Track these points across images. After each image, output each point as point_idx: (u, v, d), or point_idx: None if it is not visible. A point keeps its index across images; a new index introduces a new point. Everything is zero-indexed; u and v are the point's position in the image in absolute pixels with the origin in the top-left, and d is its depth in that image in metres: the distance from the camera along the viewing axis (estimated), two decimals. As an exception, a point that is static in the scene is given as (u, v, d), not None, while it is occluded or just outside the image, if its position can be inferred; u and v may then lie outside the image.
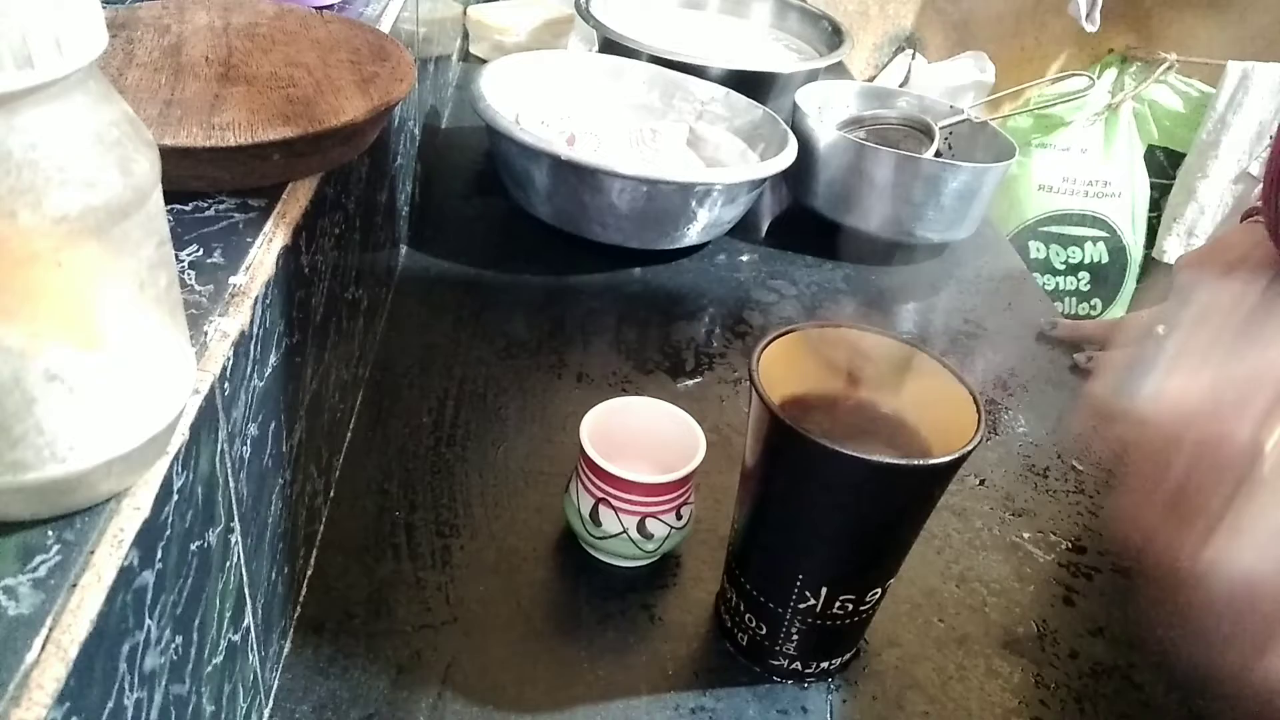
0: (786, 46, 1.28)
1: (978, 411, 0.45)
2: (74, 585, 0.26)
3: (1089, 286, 1.99)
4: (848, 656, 0.53)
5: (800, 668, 0.52)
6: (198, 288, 0.37)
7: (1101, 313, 2.01)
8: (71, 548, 0.27)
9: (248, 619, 0.42)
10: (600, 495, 0.54)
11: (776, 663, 0.52)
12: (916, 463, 0.43)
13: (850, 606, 0.48)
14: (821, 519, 0.46)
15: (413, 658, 0.50)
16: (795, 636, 0.50)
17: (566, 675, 0.51)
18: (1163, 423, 0.39)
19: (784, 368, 0.48)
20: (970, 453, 0.43)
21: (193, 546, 0.33)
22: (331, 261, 0.53)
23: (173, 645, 0.32)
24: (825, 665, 0.52)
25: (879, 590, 0.49)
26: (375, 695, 0.48)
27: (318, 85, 0.48)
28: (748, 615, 0.51)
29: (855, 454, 0.41)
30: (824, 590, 0.48)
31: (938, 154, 0.99)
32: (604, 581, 0.56)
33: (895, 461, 0.42)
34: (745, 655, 0.53)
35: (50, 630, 0.25)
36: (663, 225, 0.84)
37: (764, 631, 0.51)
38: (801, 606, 0.48)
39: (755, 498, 0.48)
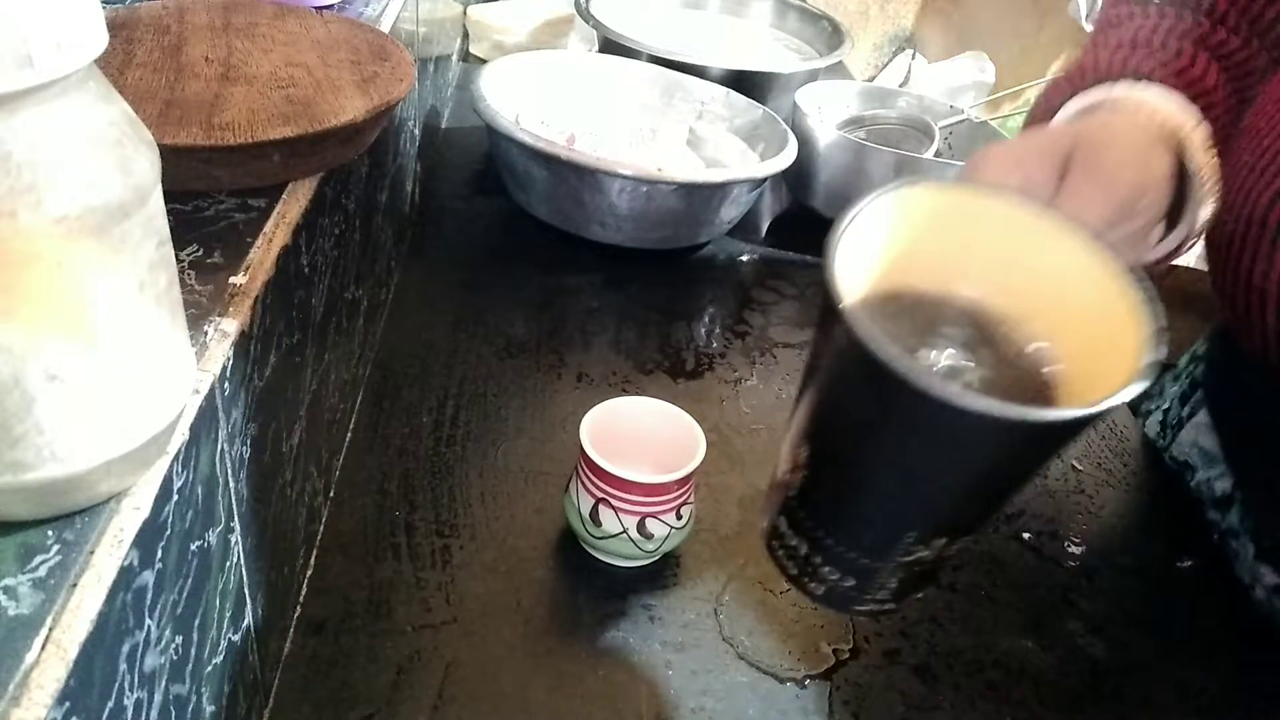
0: (786, 46, 1.28)
1: (1148, 313, 0.33)
2: (74, 585, 0.26)
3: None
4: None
5: (893, 607, 0.40)
6: (198, 288, 0.37)
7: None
8: (71, 548, 0.27)
9: (248, 619, 0.42)
10: (600, 495, 0.54)
11: (862, 607, 0.41)
12: (1070, 415, 0.30)
13: (968, 543, 0.41)
14: (943, 481, 0.35)
15: (413, 658, 0.50)
16: (893, 584, 0.39)
17: (566, 675, 0.51)
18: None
19: (864, 251, 0.36)
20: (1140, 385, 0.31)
21: (193, 546, 0.33)
22: (331, 261, 0.53)
23: (173, 645, 0.32)
24: (918, 597, 0.44)
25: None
26: (375, 695, 0.48)
27: (318, 85, 0.48)
28: (827, 568, 0.39)
29: (992, 412, 0.29)
30: (940, 542, 0.37)
31: (938, 154, 0.99)
32: (604, 581, 0.56)
33: (1043, 419, 0.30)
34: (821, 601, 0.41)
35: (50, 630, 0.25)
36: (663, 225, 0.84)
37: (851, 583, 0.39)
38: (907, 560, 0.38)
39: (839, 443, 0.36)
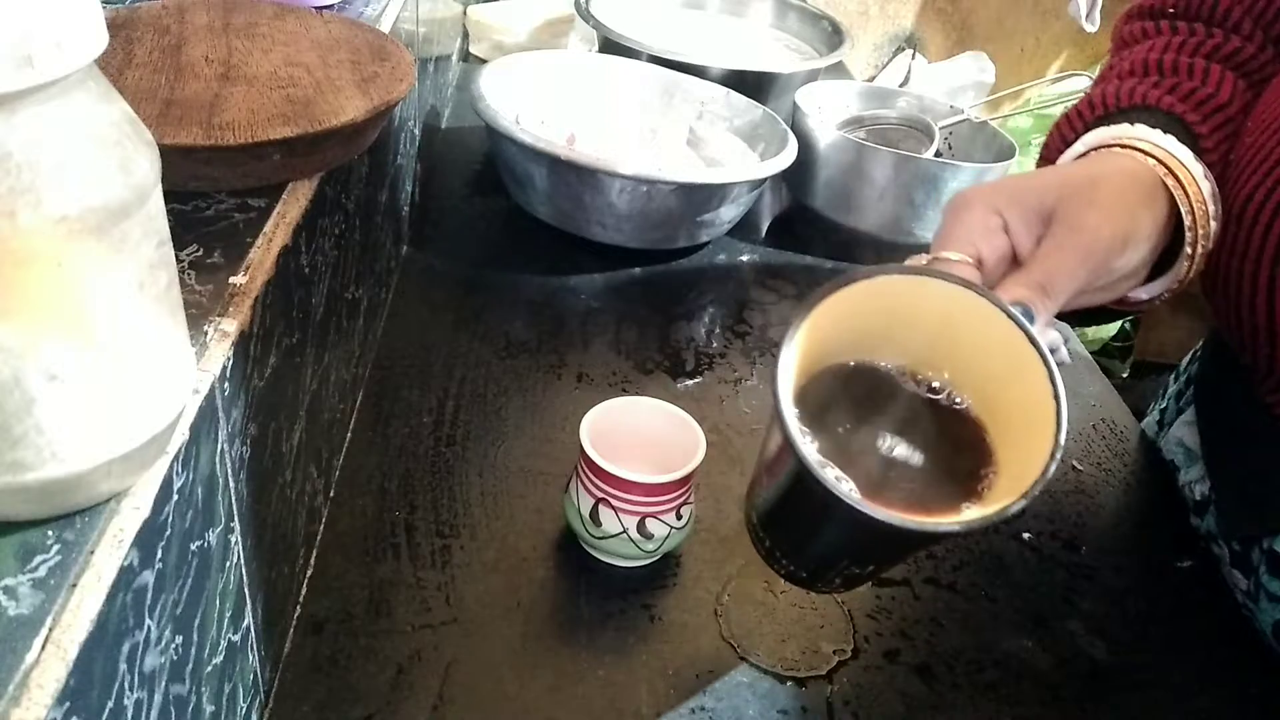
0: (786, 46, 1.28)
1: (1056, 431, 0.37)
2: (74, 585, 0.26)
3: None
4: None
5: (844, 591, 0.48)
6: (198, 288, 0.37)
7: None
8: (71, 548, 0.27)
9: (248, 619, 0.42)
10: (600, 495, 0.54)
11: (820, 591, 0.48)
12: (961, 529, 0.36)
13: (901, 562, 0.46)
14: (855, 541, 0.41)
15: (413, 658, 0.50)
16: (838, 581, 0.45)
17: (566, 675, 0.51)
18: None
19: (819, 331, 0.40)
20: (1030, 501, 0.36)
21: (193, 546, 0.33)
22: (331, 261, 0.53)
23: (173, 645, 0.32)
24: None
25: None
26: (375, 695, 0.48)
27: (318, 85, 0.48)
28: (785, 561, 0.45)
29: (903, 525, 0.35)
30: (871, 568, 0.44)
31: (938, 154, 0.99)
32: (604, 581, 0.56)
33: (941, 530, 0.36)
34: (784, 579, 0.47)
35: (50, 630, 0.25)
36: (663, 225, 0.84)
37: (804, 576, 0.46)
38: (846, 573, 0.44)
39: (781, 490, 0.41)
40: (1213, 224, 0.47)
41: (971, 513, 0.38)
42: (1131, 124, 0.49)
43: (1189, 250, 0.47)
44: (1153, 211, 0.45)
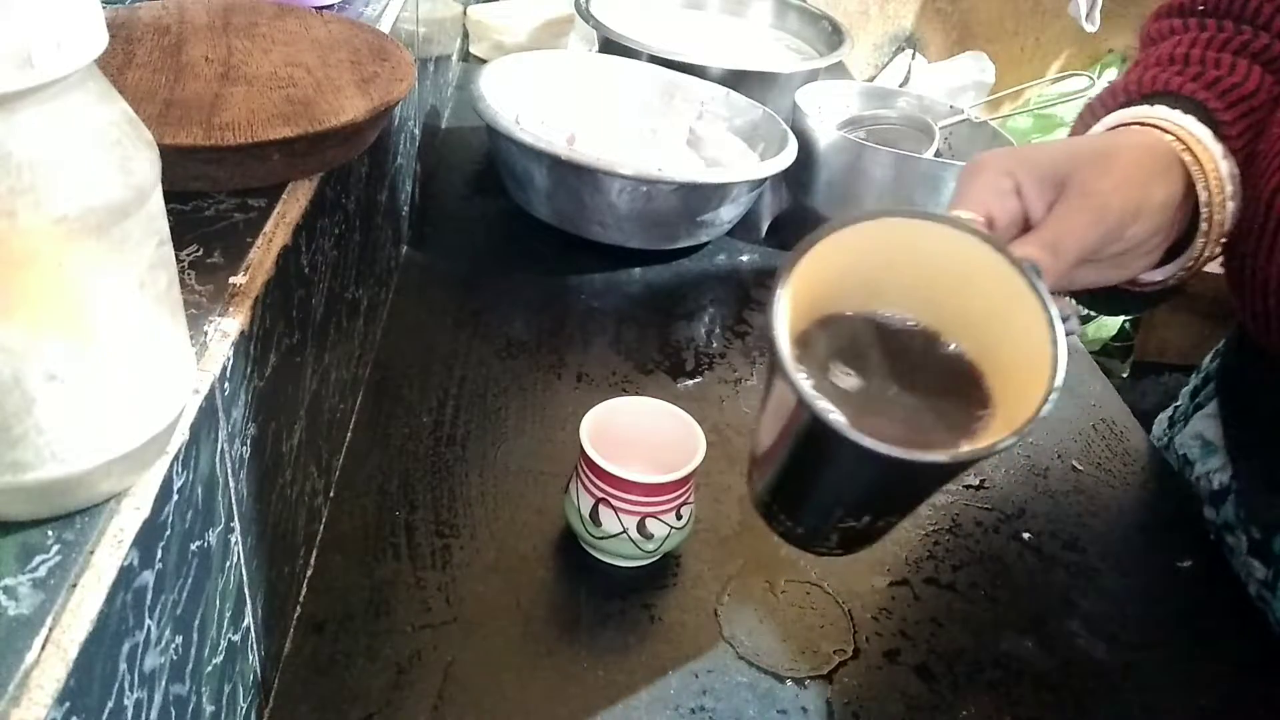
0: (786, 46, 1.28)
1: (1053, 372, 0.36)
2: (74, 585, 0.26)
3: (1089, 286, 1.99)
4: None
5: (841, 554, 0.46)
6: (198, 288, 0.37)
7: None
8: (71, 548, 0.27)
9: (248, 619, 0.42)
10: (600, 495, 0.54)
11: (817, 550, 0.47)
12: (937, 459, 0.36)
13: (895, 519, 0.44)
14: (853, 483, 0.40)
15: (413, 658, 0.50)
16: (834, 539, 0.44)
17: (566, 675, 0.51)
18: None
19: (819, 276, 0.40)
20: (1023, 434, 0.36)
21: (193, 546, 0.33)
22: (331, 261, 0.53)
23: (173, 645, 0.32)
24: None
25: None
26: (375, 695, 0.48)
27: (318, 85, 0.48)
28: (782, 516, 0.45)
29: (890, 453, 0.35)
30: (866, 519, 0.42)
31: (938, 154, 0.99)
32: (604, 581, 0.56)
33: (928, 460, 0.35)
34: (783, 539, 0.47)
35: (50, 630, 0.25)
36: (662, 225, 0.84)
37: (801, 533, 0.45)
38: (842, 526, 0.43)
39: (777, 436, 0.41)
40: (1230, 205, 0.47)
41: (963, 449, 0.37)
42: (1152, 105, 0.49)
43: (1204, 226, 0.46)
44: (1167, 184, 0.45)
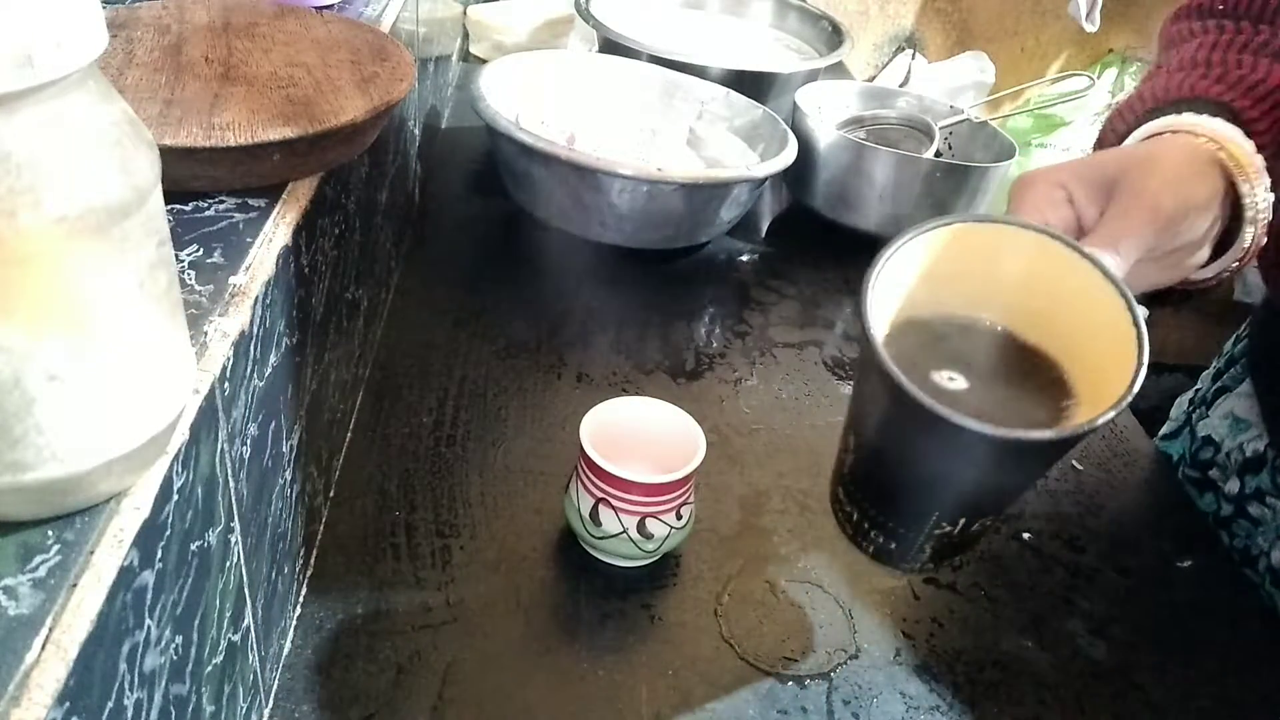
0: (786, 46, 1.28)
1: (1139, 350, 0.38)
2: (74, 585, 0.26)
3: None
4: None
5: (933, 568, 0.49)
6: (198, 288, 0.37)
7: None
8: (71, 548, 0.27)
9: (248, 619, 0.42)
10: (600, 495, 0.54)
11: (907, 566, 0.47)
12: (1051, 436, 0.37)
13: (990, 522, 0.45)
14: (956, 477, 0.41)
15: (413, 658, 0.50)
16: (928, 550, 0.45)
17: (566, 675, 0.51)
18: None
19: (895, 282, 0.42)
20: (1120, 409, 0.37)
21: (193, 546, 0.33)
22: (331, 261, 0.53)
23: (173, 645, 0.32)
24: (956, 562, 0.49)
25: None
26: (375, 695, 0.48)
27: (318, 85, 0.48)
28: (873, 533, 0.46)
29: (988, 430, 0.35)
30: (962, 521, 0.43)
31: (938, 154, 0.99)
32: (604, 581, 0.56)
33: (1030, 437, 0.37)
34: (872, 558, 0.48)
35: (50, 630, 0.25)
36: (662, 225, 0.84)
37: (893, 546, 0.46)
38: (937, 532, 0.44)
39: (874, 439, 0.43)
40: (1270, 196, 0.48)
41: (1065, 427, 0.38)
42: (1179, 113, 0.50)
43: (1249, 214, 0.48)
44: (1210, 182, 0.47)
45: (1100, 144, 0.56)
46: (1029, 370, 0.43)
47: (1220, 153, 0.47)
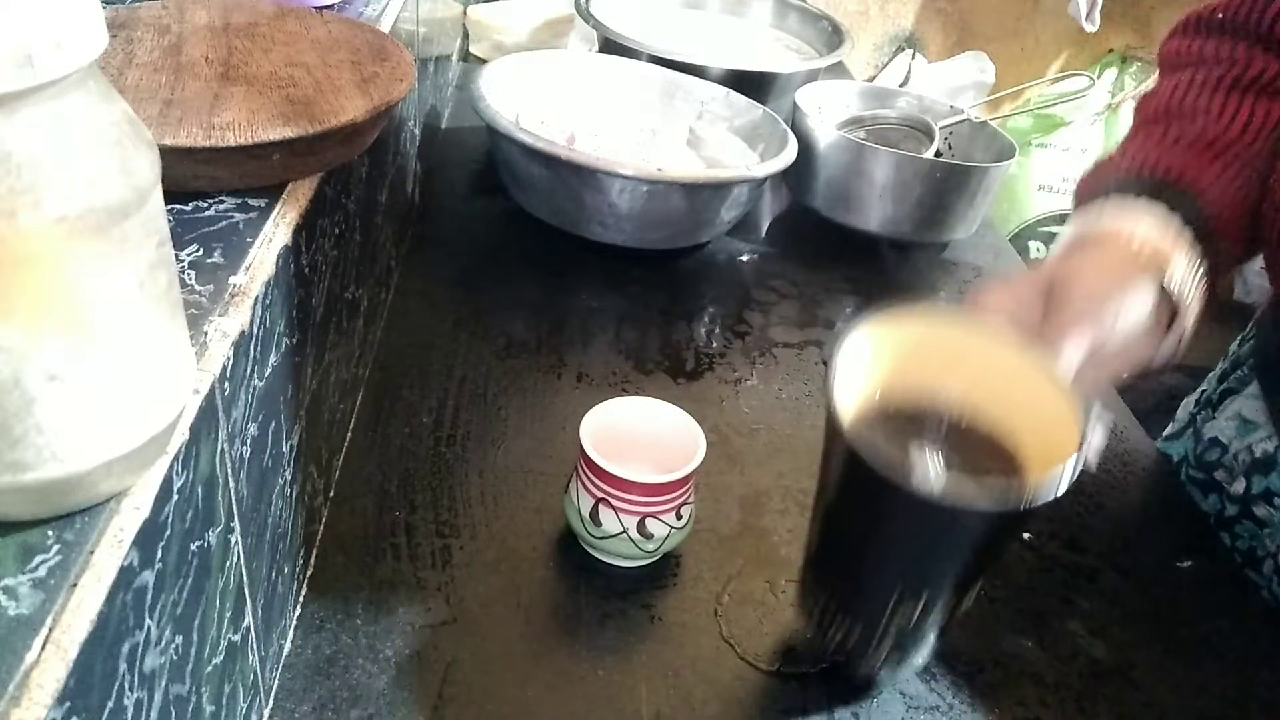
0: (786, 46, 1.28)
1: (1081, 437, 0.42)
2: (74, 585, 0.26)
3: (1089, 286, 1.99)
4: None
5: (891, 672, 0.52)
6: (198, 288, 0.37)
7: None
8: (71, 548, 0.27)
9: (248, 619, 0.42)
10: (600, 495, 0.54)
11: (869, 664, 0.51)
12: (995, 509, 0.41)
13: (945, 616, 0.48)
14: (907, 546, 0.45)
15: (413, 658, 0.50)
16: (886, 645, 0.49)
17: (566, 675, 0.51)
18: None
19: (868, 361, 0.46)
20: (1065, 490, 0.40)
21: (193, 546, 0.33)
22: (331, 261, 0.53)
23: (173, 645, 0.32)
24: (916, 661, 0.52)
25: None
26: (375, 695, 0.48)
27: (318, 85, 0.48)
28: (839, 616, 0.49)
29: (932, 494, 0.39)
30: (918, 607, 0.46)
31: (938, 154, 0.99)
32: (604, 581, 0.56)
33: (978, 509, 0.40)
34: (834, 657, 0.53)
35: (50, 630, 0.25)
36: (663, 225, 0.84)
37: (854, 643, 0.49)
38: (896, 621, 0.47)
39: (834, 506, 0.47)
40: (1185, 275, 0.52)
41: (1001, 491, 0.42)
42: (1135, 202, 0.53)
43: (1176, 297, 0.51)
44: (1137, 281, 0.50)
45: (1078, 194, 0.59)
46: (984, 448, 0.47)
47: (1143, 249, 0.51)
